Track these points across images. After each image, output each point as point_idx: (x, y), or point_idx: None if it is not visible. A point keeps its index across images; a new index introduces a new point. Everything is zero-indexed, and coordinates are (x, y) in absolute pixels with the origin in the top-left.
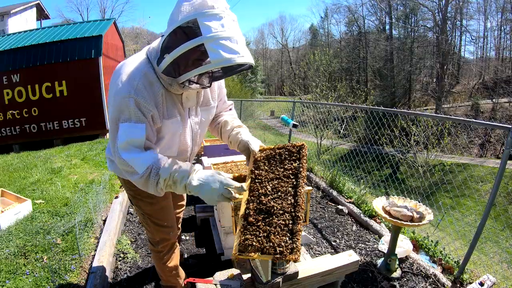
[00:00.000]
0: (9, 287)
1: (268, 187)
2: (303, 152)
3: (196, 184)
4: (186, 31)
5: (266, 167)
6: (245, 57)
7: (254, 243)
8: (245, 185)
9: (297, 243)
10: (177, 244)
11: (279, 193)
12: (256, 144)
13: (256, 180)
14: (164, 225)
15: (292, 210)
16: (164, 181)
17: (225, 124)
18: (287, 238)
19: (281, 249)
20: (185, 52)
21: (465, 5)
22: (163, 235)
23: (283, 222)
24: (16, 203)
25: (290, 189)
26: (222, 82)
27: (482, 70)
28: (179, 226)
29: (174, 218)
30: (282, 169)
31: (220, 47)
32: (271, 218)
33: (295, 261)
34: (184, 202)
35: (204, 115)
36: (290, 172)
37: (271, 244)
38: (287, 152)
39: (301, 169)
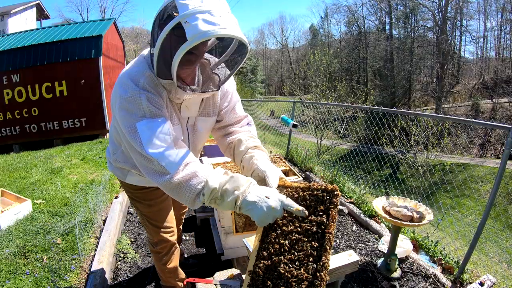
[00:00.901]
0: (9, 287)
1: (285, 242)
2: (334, 200)
3: (251, 200)
4: (167, 21)
5: (285, 213)
6: (228, 28)
7: None
8: (306, 211)
9: None
10: (177, 246)
11: (298, 254)
12: (274, 178)
13: (271, 230)
14: (162, 226)
15: (311, 280)
16: (210, 194)
17: (238, 144)
18: None
19: None
20: (168, 43)
21: (465, 5)
22: (161, 236)
23: None
24: (16, 203)
25: (312, 251)
26: (230, 87)
27: (482, 70)
28: (180, 227)
29: (174, 219)
30: (305, 220)
31: (197, 20)
32: None
33: None
34: None
35: (201, 125)
36: (315, 228)
37: None
38: (313, 197)
39: (329, 226)
